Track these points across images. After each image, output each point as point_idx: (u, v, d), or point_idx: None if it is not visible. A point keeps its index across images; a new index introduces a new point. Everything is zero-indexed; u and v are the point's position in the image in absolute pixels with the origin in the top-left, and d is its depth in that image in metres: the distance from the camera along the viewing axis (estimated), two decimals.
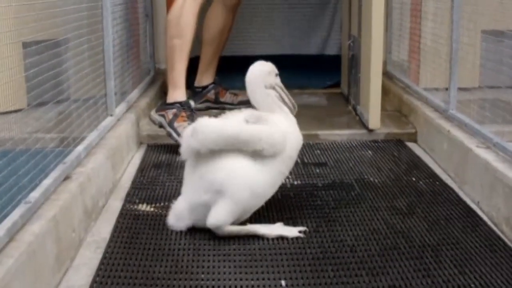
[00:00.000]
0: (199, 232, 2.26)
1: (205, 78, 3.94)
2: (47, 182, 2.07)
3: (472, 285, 1.89)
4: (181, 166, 3.00)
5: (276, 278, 1.94)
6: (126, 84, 3.45)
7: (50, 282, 1.88)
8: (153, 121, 3.32)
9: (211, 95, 3.94)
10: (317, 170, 2.93)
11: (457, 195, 2.62)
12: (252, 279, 1.94)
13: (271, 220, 2.33)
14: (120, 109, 3.18)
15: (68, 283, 1.97)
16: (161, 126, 3.27)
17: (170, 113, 3.25)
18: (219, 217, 2.17)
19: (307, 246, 2.16)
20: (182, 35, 3.34)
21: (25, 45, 2.17)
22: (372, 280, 1.93)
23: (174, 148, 3.27)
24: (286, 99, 2.39)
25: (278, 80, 2.41)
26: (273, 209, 2.44)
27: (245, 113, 2.33)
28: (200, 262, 2.05)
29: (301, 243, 2.18)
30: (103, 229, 2.35)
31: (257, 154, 2.18)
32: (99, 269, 2.01)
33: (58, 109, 2.45)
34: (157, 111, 3.34)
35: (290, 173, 2.46)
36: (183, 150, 2.25)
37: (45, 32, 2.30)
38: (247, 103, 3.89)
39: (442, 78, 3.30)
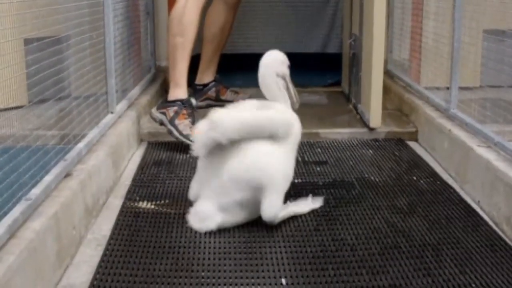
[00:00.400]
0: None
1: (206, 76, 3.94)
2: (48, 179, 2.07)
3: (473, 285, 1.89)
4: (182, 163, 3.02)
5: (276, 276, 1.94)
6: (127, 82, 3.45)
7: (50, 279, 1.88)
8: (154, 119, 3.32)
9: (211, 93, 3.94)
10: (318, 169, 2.93)
11: (458, 195, 2.62)
12: (252, 277, 1.94)
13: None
14: (121, 106, 3.18)
15: (69, 280, 1.97)
16: (162, 123, 3.27)
17: (171, 111, 3.25)
18: (274, 209, 2.24)
19: (307, 244, 2.16)
20: (185, 33, 3.34)
21: (27, 42, 2.17)
22: (373, 279, 1.93)
23: (174, 146, 3.28)
24: (292, 91, 2.47)
25: (288, 72, 2.49)
26: None
27: (249, 103, 2.39)
28: (201, 259, 2.05)
29: (301, 242, 2.18)
30: (104, 226, 2.35)
31: (273, 138, 2.26)
32: (99, 266, 2.01)
33: (59, 106, 2.45)
34: (158, 108, 3.33)
35: None
36: (198, 146, 2.25)
37: (46, 29, 2.30)
38: None
39: (443, 77, 3.30)
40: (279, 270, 1.98)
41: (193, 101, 3.35)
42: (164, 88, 4.36)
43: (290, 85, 2.47)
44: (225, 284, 1.90)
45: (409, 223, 2.34)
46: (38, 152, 2.11)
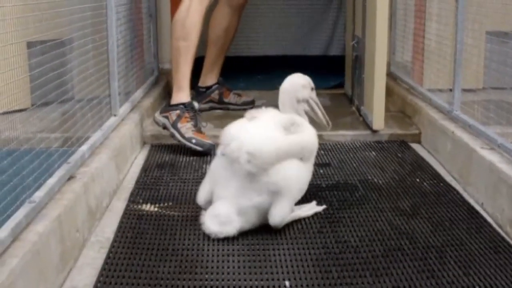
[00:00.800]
0: (203, 232, 2.26)
1: (209, 78, 3.95)
2: (51, 181, 2.08)
3: (477, 287, 1.89)
4: (185, 166, 3.02)
5: (280, 278, 1.94)
6: (130, 84, 3.46)
7: (54, 281, 1.88)
8: (157, 123, 3.33)
9: (215, 95, 3.95)
10: (321, 171, 2.92)
11: (461, 196, 2.62)
12: (256, 280, 1.94)
13: None
14: (124, 109, 3.18)
15: (72, 283, 1.97)
16: (165, 127, 3.28)
17: (173, 114, 3.26)
18: (283, 215, 2.24)
19: (311, 246, 2.16)
20: (188, 37, 3.35)
21: (30, 45, 2.18)
22: (376, 281, 1.92)
23: (177, 148, 3.28)
24: (320, 114, 2.51)
25: (313, 94, 2.50)
26: None
27: (275, 114, 2.37)
28: (204, 262, 2.05)
29: (305, 244, 2.18)
30: (107, 229, 2.35)
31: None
32: (103, 269, 2.01)
33: (62, 109, 2.45)
34: (161, 112, 3.34)
35: None
36: (226, 154, 2.23)
37: (49, 32, 2.30)
38: (250, 104, 3.93)
39: (446, 79, 3.30)
40: (282, 273, 1.98)
41: (196, 104, 3.35)
42: (167, 91, 4.37)
43: (317, 108, 2.49)
44: (228, 287, 1.90)
45: (412, 225, 2.33)
46: (42, 155, 2.11)
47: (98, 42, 2.88)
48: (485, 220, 2.39)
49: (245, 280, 1.94)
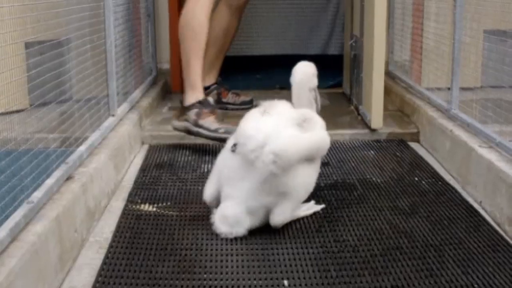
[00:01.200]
0: (202, 231, 2.26)
1: (207, 78, 3.94)
2: (49, 182, 2.08)
3: (475, 285, 1.89)
4: (183, 166, 3.02)
5: (278, 277, 1.94)
6: (128, 84, 3.45)
7: (52, 282, 1.88)
8: (177, 129, 3.26)
9: (213, 95, 3.94)
10: (320, 170, 2.92)
11: (460, 195, 2.62)
12: (255, 279, 1.94)
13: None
14: (122, 109, 3.18)
15: (71, 283, 1.97)
16: (188, 131, 3.22)
17: (192, 114, 3.19)
18: (285, 215, 2.24)
19: (309, 245, 2.16)
20: (196, 36, 3.31)
21: (28, 45, 2.17)
22: (375, 280, 1.92)
23: (176, 148, 3.28)
24: (318, 100, 2.52)
25: (316, 81, 2.52)
26: None
27: (286, 108, 2.34)
28: (203, 262, 2.05)
29: (303, 243, 2.18)
30: (106, 229, 2.35)
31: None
32: (101, 269, 2.01)
33: (61, 109, 2.45)
34: (178, 118, 3.29)
35: None
36: (243, 154, 2.19)
37: (47, 32, 2.30)
38: (249, 103, 3.93)
39: (444, 78, 3.30)
40: (281, 272, 1.98)
41: (211, 99, 3.30)
42: (166, 90, 4.38)
43: (317, 94, 2.51)
44: (227, 286, 1.90)
45: (411, 224, 2.33)
46: (40, 155, 2.11)
47: (96, 42, 2.88)
48: (484, 219, 2.39)
49: (243, 279, 1.94)
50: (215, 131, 3.13)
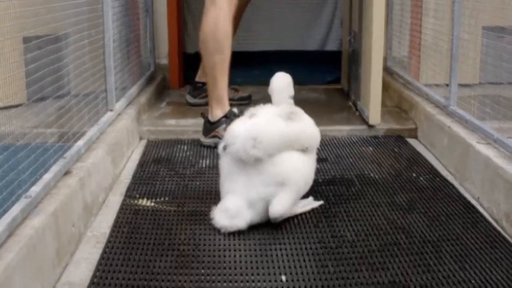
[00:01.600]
0: (199, 227, 2.26)
1: (204, 75, 3.93)
2: (47, 176, 2.07)
3: (472, 281, 1.89)
4: (181, 161, 3.02)
5: (276, 273, 1.94)
6: (126, 79, 3.45)
7: (50, 276, 1.88)
8: (207, 146, 3.21)
9: None
10: (318, 166, 2.91)
11: (458, 191, 2.62)
12: (252, 274, 1.94)
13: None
14: (120, 104, 3.18)
15: (68, 278, 1.97)
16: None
17: (221, 130, 3.11)
18: (284, 206, 2.24)
19: (307, 241, 2.16)
20: (223, 49, 3.16)
21: (26, 40, 2.17)
22: (372, 276, 1.93)
23: (174, 144, 3.28)
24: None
25: (292, 90, 2.56)
26: None
27: (272, 109, 2.38)
28: (201, 257, 2.05)
29: (301, 239, 2.18)
30: (103, 224, 2.35)
31: (302, 150, 2.34)
32: (99, 264, 2.01)
33: (59, 104, 2.45)
34: (205, 134, 3.23)
35: None
36: (232, 154, 2.23)
37: (45, 27, 2.29)
38: (247, 99, 3.93)
39: (443, 74, 3.30)
40: (279, 267, 1.98)
41: (235, 110, 3.20)
42: (164, 85, 4.38)
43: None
44: (225, 281, 1.90)
45: (408, 219, 2.34)
46: (38, 150, 2.11)
47: (94, 37, 2.88)
48: (481, 215, 2.39)
49: (241, 274, 1.94)
50: None
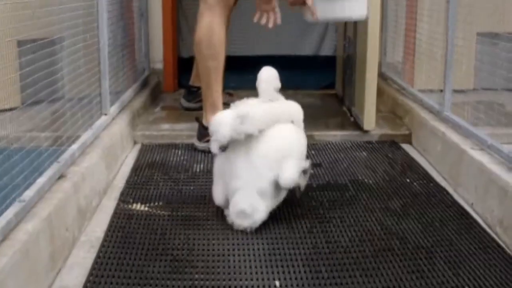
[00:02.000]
0: (194, 231, 2.26)
1: (198, 79, 3.93)
2: (41, 181, 2.07)
3: (466, 287, 1.89)
4: (175, 165, 3.01)
5: (270, 278, 1.94)
6: (121, 83, 3.45)
7: (43, 281, 1.88)
8: (202, 151, 3.20)
9: None
10: (312, 171, 2.92)
11: (451, 197, 2.63)
12: (246, 279, 1.94)
13: (268, 219, 2.32)
14: (114, 108, 3.18)
15: (62, 282, 1.96)
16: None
17: None
18: (294, 173, 2.27)
19: (301, 246, 2.16)
20: (217, 56, 3.15)
21: (20, 43, 2.17)
22: (366, 281, 1.93)
23: (168, 148, 3.27)
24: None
25: (279, 82, 2.58)
26: None
27: (253, 100, 2.44)
28: (194, 262, 2.05)
29: (295, 244, 2.18)
30: (97, 228, 2.34)
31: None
32: (93, 268, 2.01)
33: (53, 108, 2.44)
34: (199, 139, 3.22)
35: None
36: (222, 140, 2.24)
37: (40, 31, 2.29)
38: None
39: (437, 80, 3.31)
40: (272, 272, 1.98)
41: None
42: (159, 89, 4.37)
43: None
44: (218, 286, 1.90)
45: (402, 225, 2.34)
46: (32, 154, 2.10)
47: (89, 41, 2.87)
48: (475, 221, 2.39)
49: (235, 279, 1.94)
50: None
